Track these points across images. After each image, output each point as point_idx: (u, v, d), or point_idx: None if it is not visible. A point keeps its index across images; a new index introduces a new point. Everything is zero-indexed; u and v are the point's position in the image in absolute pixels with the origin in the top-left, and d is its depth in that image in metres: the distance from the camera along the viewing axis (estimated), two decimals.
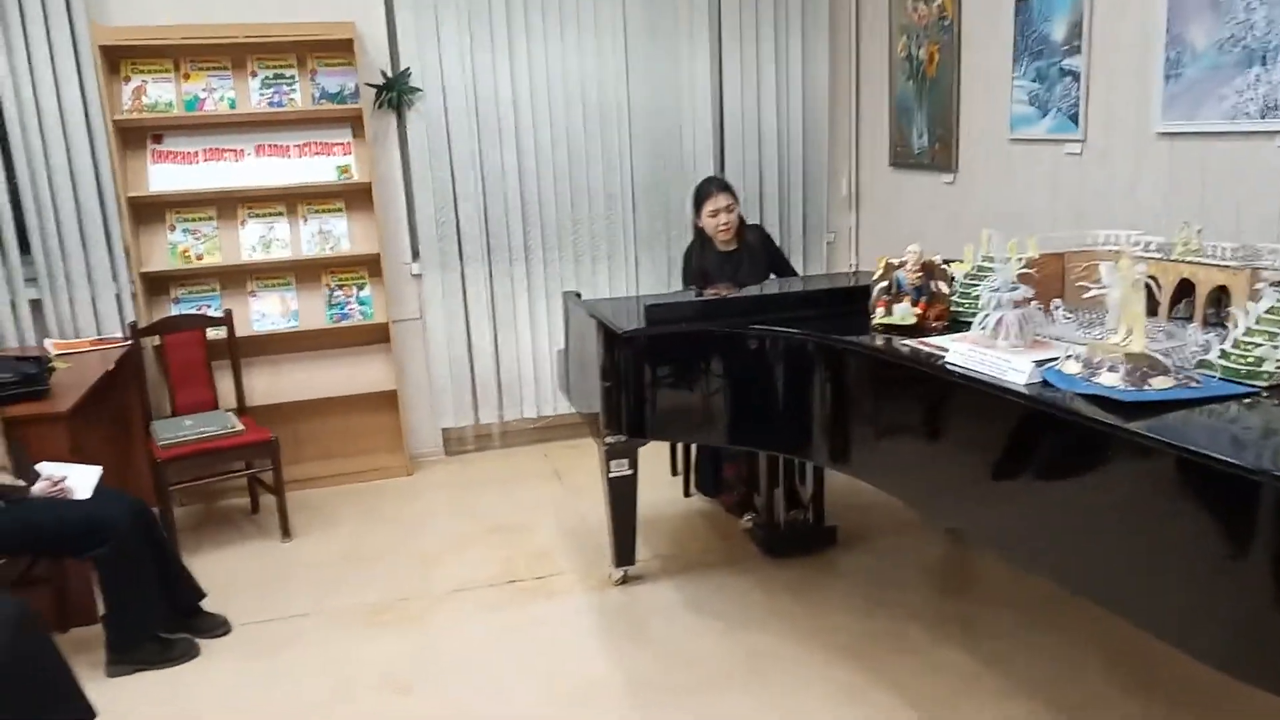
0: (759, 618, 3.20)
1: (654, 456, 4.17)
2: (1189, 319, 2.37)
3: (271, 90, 4.31)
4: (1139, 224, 3.15)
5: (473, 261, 4.65)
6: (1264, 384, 1.90)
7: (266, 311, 4.44)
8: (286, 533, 3.93)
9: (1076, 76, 3.51)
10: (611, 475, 3.28)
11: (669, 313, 2.89)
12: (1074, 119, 3.54)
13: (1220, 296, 2.33)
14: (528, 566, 3.65)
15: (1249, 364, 1.92)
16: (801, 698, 2.76)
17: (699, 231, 3.96)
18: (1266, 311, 1.99)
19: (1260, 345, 1.93)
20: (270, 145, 4.38)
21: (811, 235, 5.15)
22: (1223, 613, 1.64)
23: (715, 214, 3.81)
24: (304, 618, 3.33)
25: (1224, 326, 2.16)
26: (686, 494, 4.21)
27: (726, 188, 3.90)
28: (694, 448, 4.12)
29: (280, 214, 4.42)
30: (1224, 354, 1.97)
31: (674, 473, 4.32)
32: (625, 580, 3.46)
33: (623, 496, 3.32)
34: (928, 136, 4.46)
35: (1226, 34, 2.89)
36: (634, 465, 3.29)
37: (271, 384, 4.44)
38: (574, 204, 4.75)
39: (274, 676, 2.98)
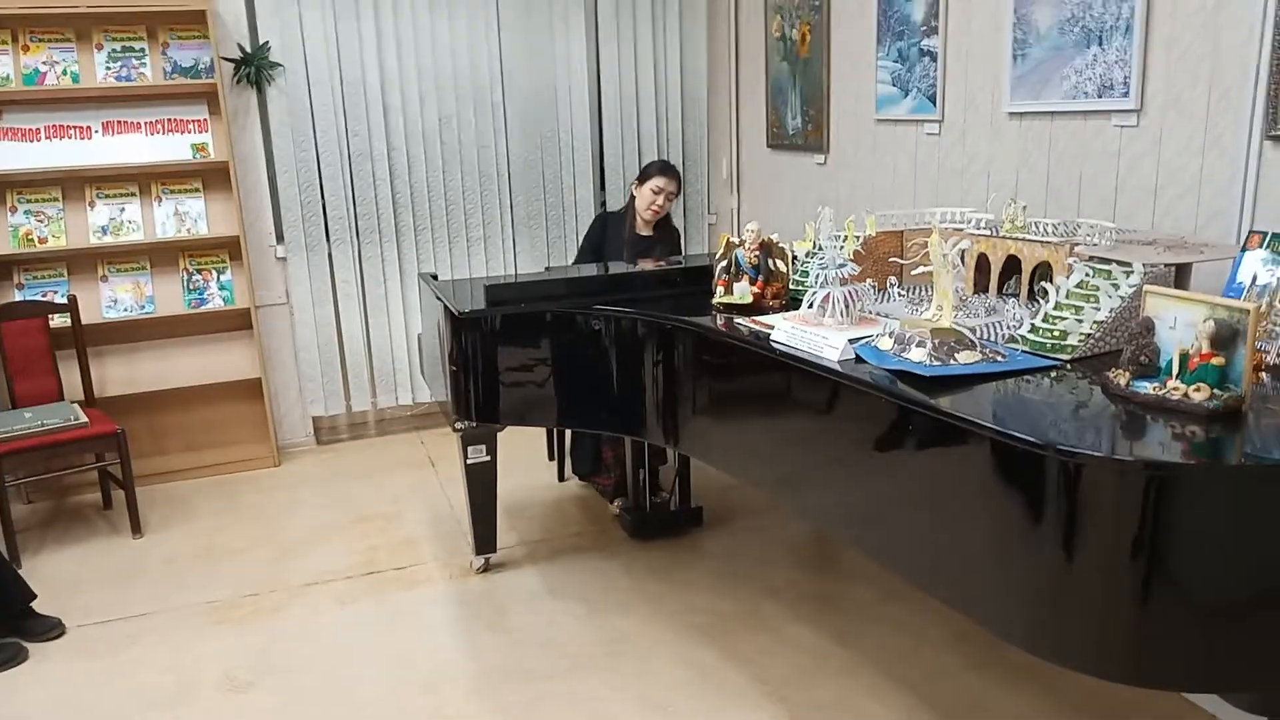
0: (620, 601, 3.17)
1: (532, 440, 4.11)
2: (1019, 294, 2.40)
3: (119, 64, 4.10)
4: (994, 201, 3.19)
5: (340, 243, 4.51)
6: (1067, 357, 1.92)
7: (119, 297, 4.23)
8: (137, 528, 3.76)
9: (934, 57, 3.53)
10: (469, 462, 3.21)
11: (509, 293, 2.82)
12: (932, 99, 3.56)
13: (1046, 272, 2.36)
14: (389, 557, 3.55)
15: (1054, 338, 1.94)
16: (656, 679, 2.74)
17: (630, 203, 3.92)
18: (1075, 286, 2.02)
19: (1066, 319, 1.95)
20: (119, 122, 4.16)
21: (693, 217, 5.13)
22: (1020, 589, 1.64)
23: (658, 192, 3.78)
24: (147, 617, 3.18)
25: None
26: (561, 478, 4.16)
27: (678, 178, 3.90)
28: (569, 431, 4.07)
29: (132, 195, 4.21)
30: (1033, 328, 1.99)
31: (551, 457, 4.26)
32: (487, 568, 3.39)
33: (481, 484, 3.24)
34: (801, 118, 4.46)
35: (1067, 14, 2.93)
36: (492, 452, 3.22)
37: (126, 373, 4.24)
38: (446, 184, 4.63)
39: (107, 679, 2.84)
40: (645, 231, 3.87)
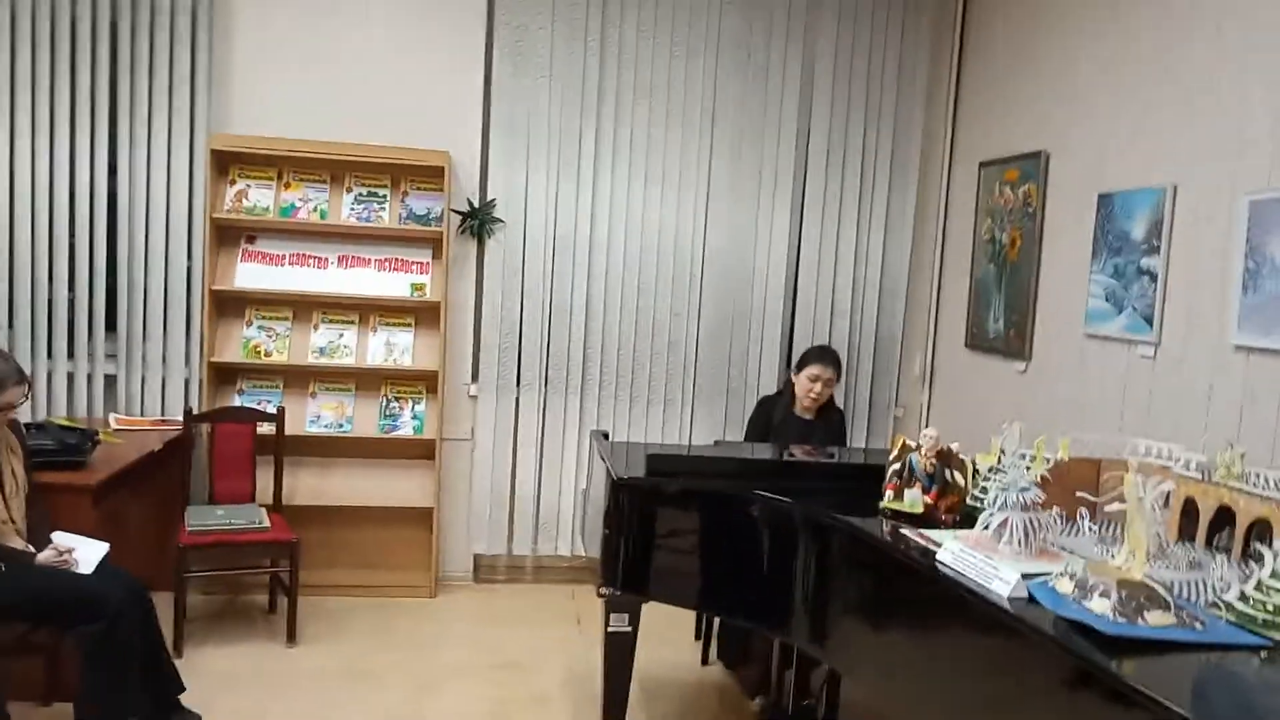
0: None
1: (682, 613, 3.97)
2: (1230, 549, 2.13)
3: (363, 206, 4.53)
4: (1211, 439, 2.91)
5: (528, 389, 4.68)
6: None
7: (322, 413, 4.53)
8: (292, 637, 3.88)
9: (1154, 277, 3.34)
10: (610, 630, 3.11)
11: (671, 464, 2.79)
12: (1149, 320, 3.35)
13: (1265, 531, 2.09)
14: (521, 711, 3.48)
15: (1268, 612, 1.69)
16: None
17: (789, 387, 3.94)
18: None
19: None
20: (354, 257, 4.57)
21: (878, 409, 4.99)
22: None
23: (815, 380, 3.82)
24: None
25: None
26: (704, 661, 3.98)
27: (837, 364, 3.92)
28: None
29: (352, 322, 4.57)
30: (1243, 596, 1.75)
31: (697, 636, 4.11)
32: None
33: (619, 654, 3.12)
34: (1004, 321, 4.31)
35: None
36: (634, 622, 3.11)
37: (314, 485, 4.48)
38: (636, 346, 4.75)
39: None
40: (807, 415, 3.81)
